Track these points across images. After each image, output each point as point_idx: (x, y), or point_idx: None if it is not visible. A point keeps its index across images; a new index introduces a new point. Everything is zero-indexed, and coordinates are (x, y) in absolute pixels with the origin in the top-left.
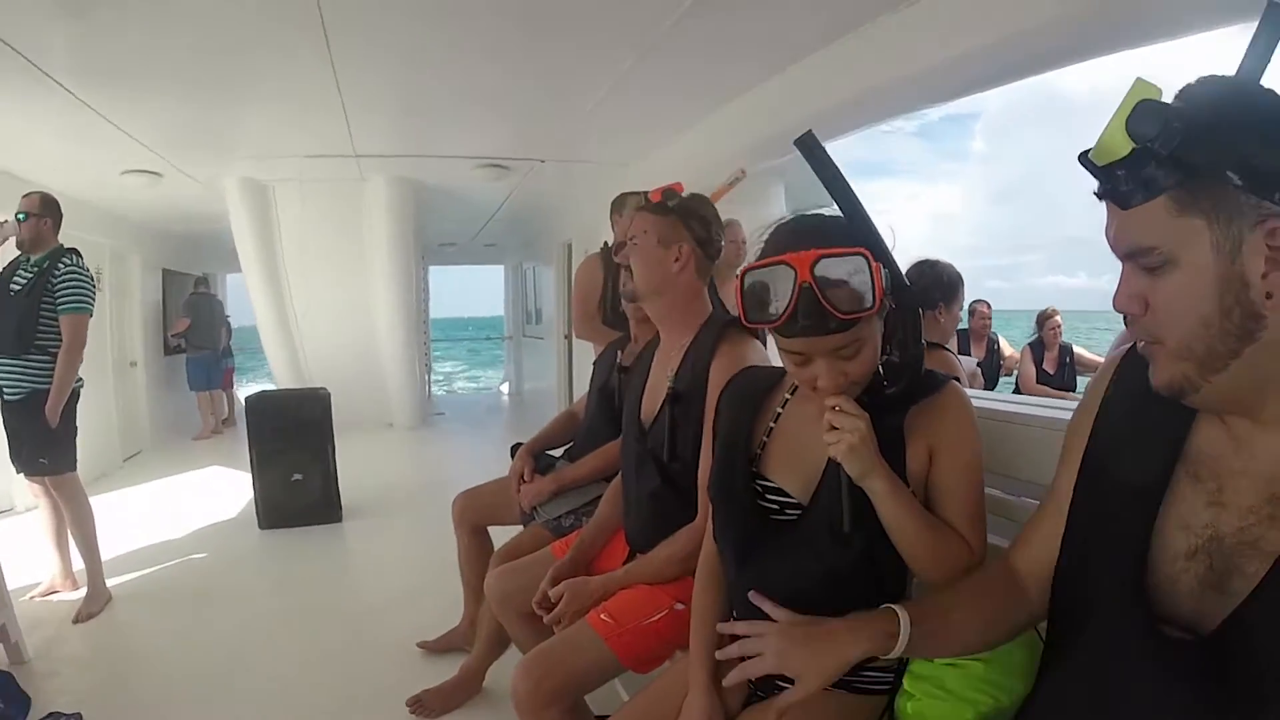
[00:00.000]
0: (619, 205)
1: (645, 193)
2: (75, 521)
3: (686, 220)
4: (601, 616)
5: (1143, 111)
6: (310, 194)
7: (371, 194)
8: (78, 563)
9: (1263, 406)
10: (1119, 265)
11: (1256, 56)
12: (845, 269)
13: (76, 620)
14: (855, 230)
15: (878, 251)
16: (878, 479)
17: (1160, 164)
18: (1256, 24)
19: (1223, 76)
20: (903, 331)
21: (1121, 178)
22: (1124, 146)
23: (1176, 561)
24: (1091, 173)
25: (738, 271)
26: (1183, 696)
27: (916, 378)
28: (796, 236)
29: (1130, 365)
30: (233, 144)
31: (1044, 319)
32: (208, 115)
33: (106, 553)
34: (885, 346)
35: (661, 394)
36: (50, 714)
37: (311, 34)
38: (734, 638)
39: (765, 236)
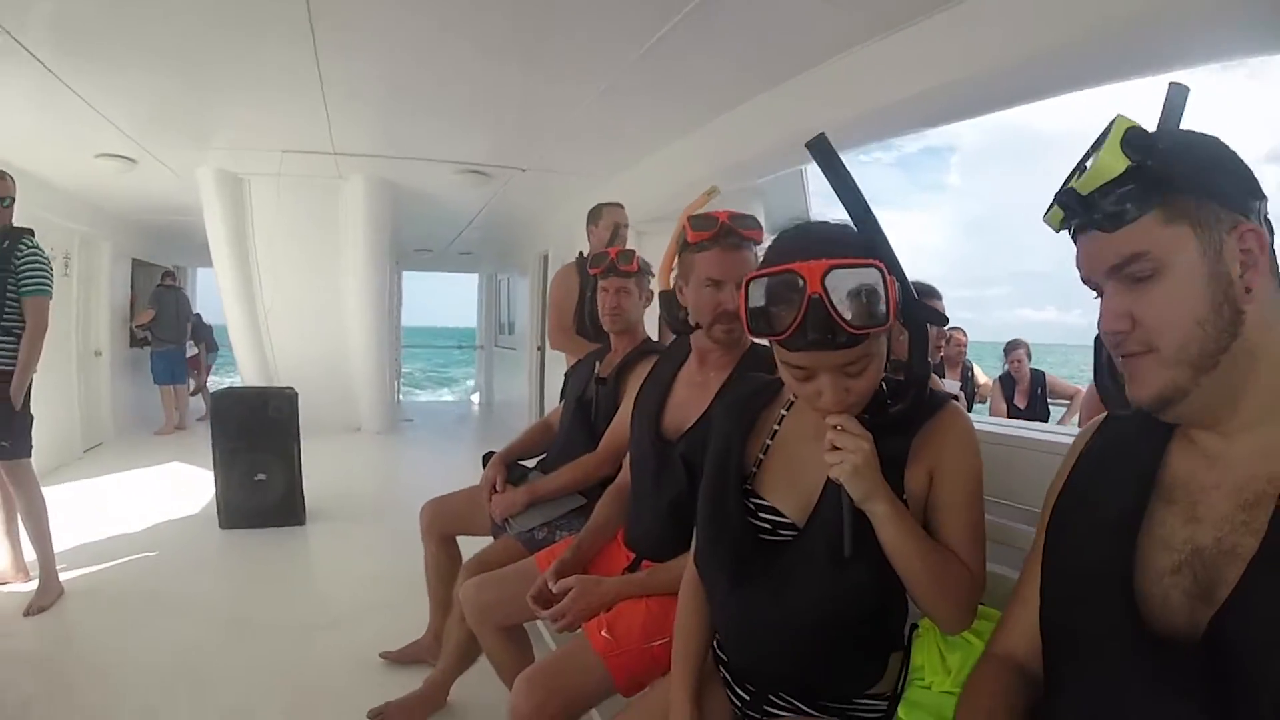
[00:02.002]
0: (594, 216)
1: (617, 203)
2: (27, 510)
3: None
4: (603, 634)
5: (1134, 134)
6: (286, 190)
7: (349, 194)
8: (29, 554)
9: (1234, 414)
10: (1087, 299)
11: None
12: (857, 281)
13: (27, 613)
14: (866, 240)
15: (890, 263)
16: (880, 502)
17: (1150, 179)
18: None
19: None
20: (910, 349)
21: (1111, 200)
22: (1120, 164)
23: (1163, 579)
24: (1071, 207)
25: (743, 278)
26: (1177, 701)
27: (921, 397)
28: (805, 244)
29: (1104, 425)
30: (210, 132)
31: (1008, 351)
32: (185, 99)
33: (61, 545)
34: (888, 363)
35: (699, 404)
36: None
37: (296, 14)
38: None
39: (769, 243)
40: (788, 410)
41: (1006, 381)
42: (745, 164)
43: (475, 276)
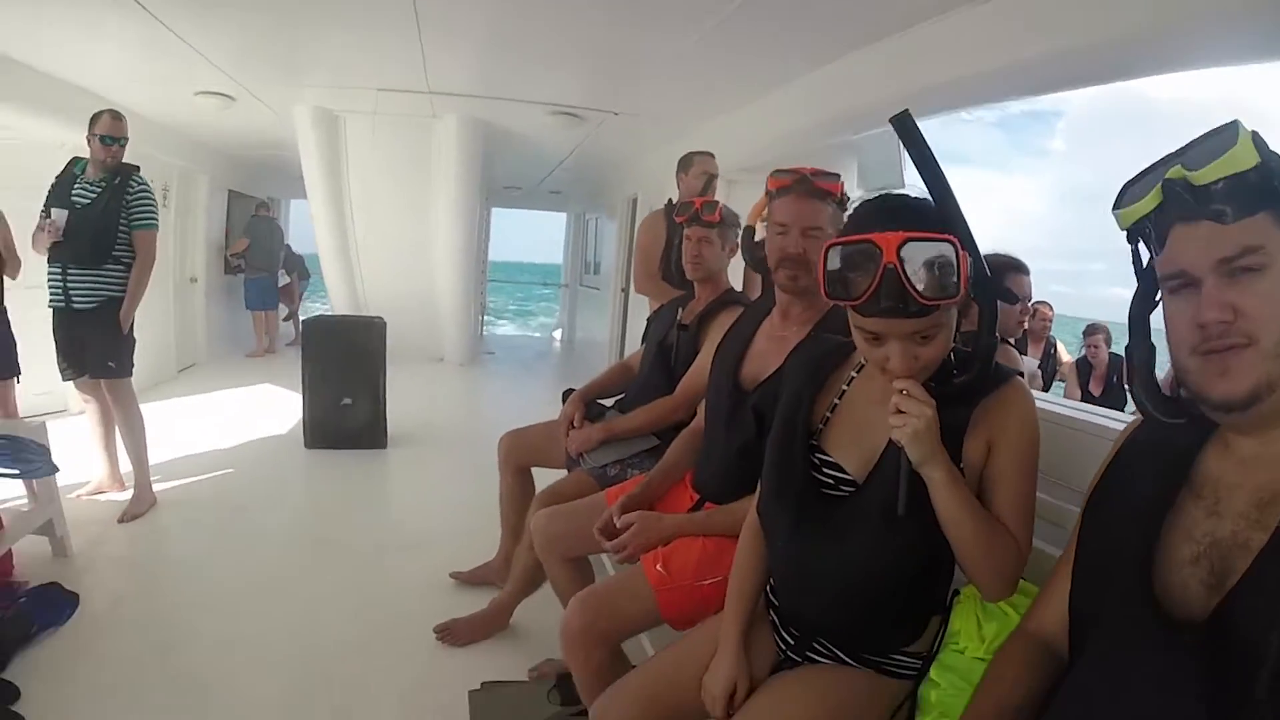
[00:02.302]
0: (685, 164)
1: (708, 152)
2: (126, 425)
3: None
4: (657, 567)
5: (1259, 137)
6: (381, 127)
7: (442, 132)
8: (125, 465)
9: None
10: None
11: None
12: (931, 254)
13: (121, 520)
14: (943, 215)
15: (964, 239)
16: (937, 467)
17: (1270, 179)
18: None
19: None
20: (980, 323)
21: (1231, 192)
22: (1252, 159)
23: (1183, 568)
24: (1180, 196)
25: (808, 226)
26: (1183, 682)
27: (986, 370)
28: (884, 215)
29: (1144, 424)
30: (306, 70)
31: (1086, 335)
32: (282, 38)
33: (155, 458)
34: (957, 335)
35: (776, 358)
36: (51, 583)
37: None
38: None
39: (849, 212)
40: (857, 373)
41: (1083, 366)
42: (839, 120)
43: (564, 215)
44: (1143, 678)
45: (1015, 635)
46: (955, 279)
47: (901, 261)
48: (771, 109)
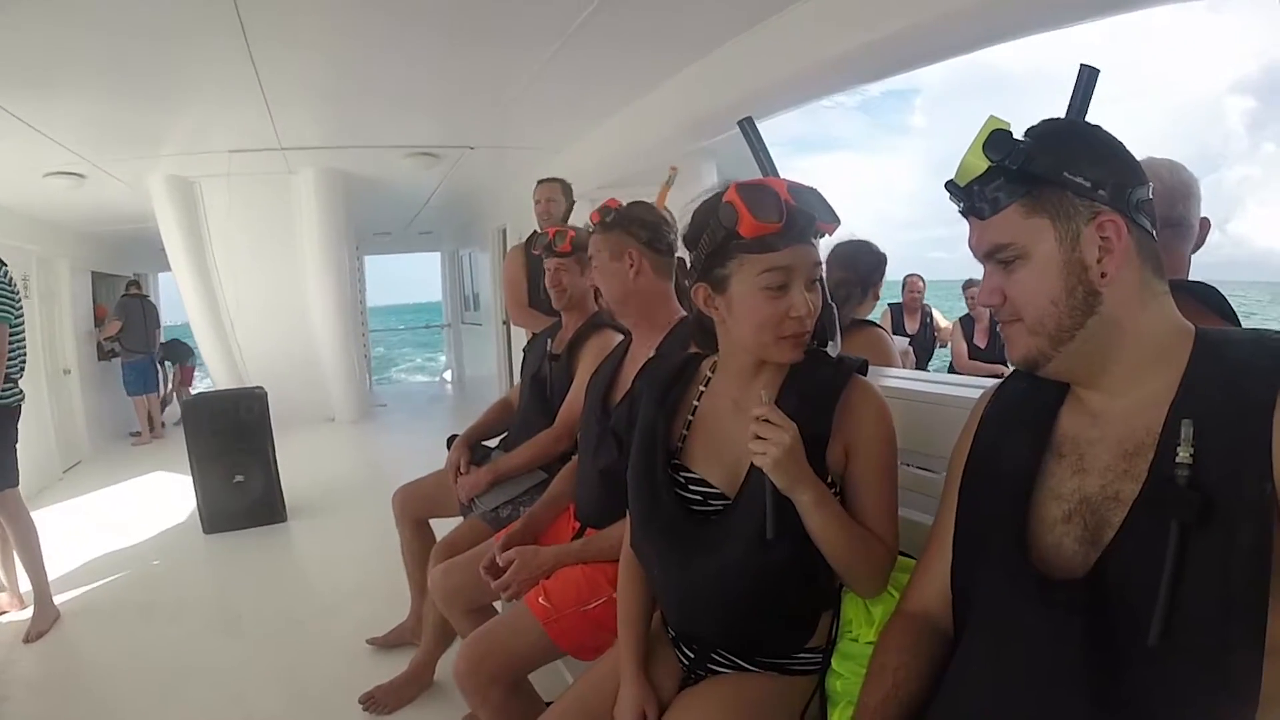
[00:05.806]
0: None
1: (550, 179)
2: (19, 539)
3: (628, 228)
4: (540, 600)
5: (996, 138)
6: (238, 189)
7: (300, 186)
8: (24, 582)
9: (1105, 376)
10: None
11: (1076, 108)
12: (810, 194)
13: (27, 640)
14: None
15: None
16: (804, 490)
17: (1010, 177)
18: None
19: (1058, 117)
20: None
21: (978, 193)
22: (982, 165)
23: (1056, 527)
24: (955, 196)
25: (725, 198)
26: (1069, 638)
27: (831, 323)
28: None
29: (1002, 389)
30: (156, 141)
31: (965, 290)
32: (128, 113)
33: (52, 569)
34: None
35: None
36: None
37: (225, 17)
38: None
39: (697, 206)
40: (706, 386)
41: (966, 322)
42: (689, 128)
43: (437, 254)
44: (1027, 641)
45: (895, 618)
46: (832, 210)
47: (794, 196)
48: (627, 124)
